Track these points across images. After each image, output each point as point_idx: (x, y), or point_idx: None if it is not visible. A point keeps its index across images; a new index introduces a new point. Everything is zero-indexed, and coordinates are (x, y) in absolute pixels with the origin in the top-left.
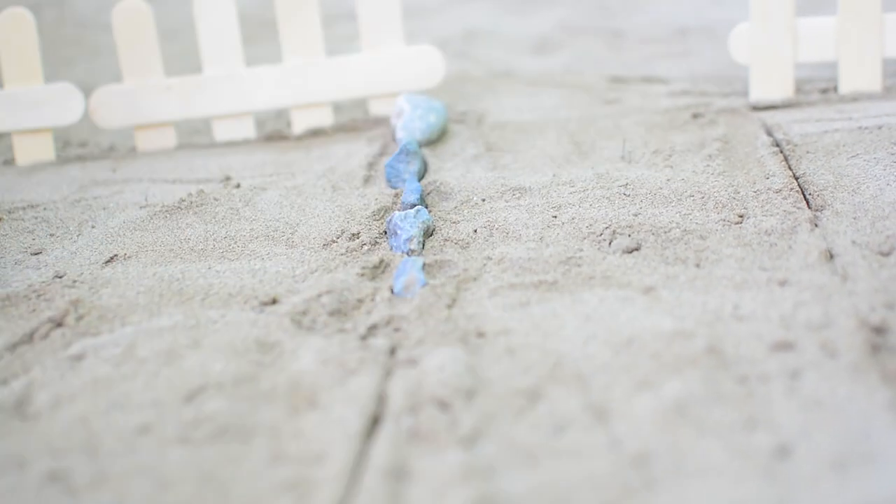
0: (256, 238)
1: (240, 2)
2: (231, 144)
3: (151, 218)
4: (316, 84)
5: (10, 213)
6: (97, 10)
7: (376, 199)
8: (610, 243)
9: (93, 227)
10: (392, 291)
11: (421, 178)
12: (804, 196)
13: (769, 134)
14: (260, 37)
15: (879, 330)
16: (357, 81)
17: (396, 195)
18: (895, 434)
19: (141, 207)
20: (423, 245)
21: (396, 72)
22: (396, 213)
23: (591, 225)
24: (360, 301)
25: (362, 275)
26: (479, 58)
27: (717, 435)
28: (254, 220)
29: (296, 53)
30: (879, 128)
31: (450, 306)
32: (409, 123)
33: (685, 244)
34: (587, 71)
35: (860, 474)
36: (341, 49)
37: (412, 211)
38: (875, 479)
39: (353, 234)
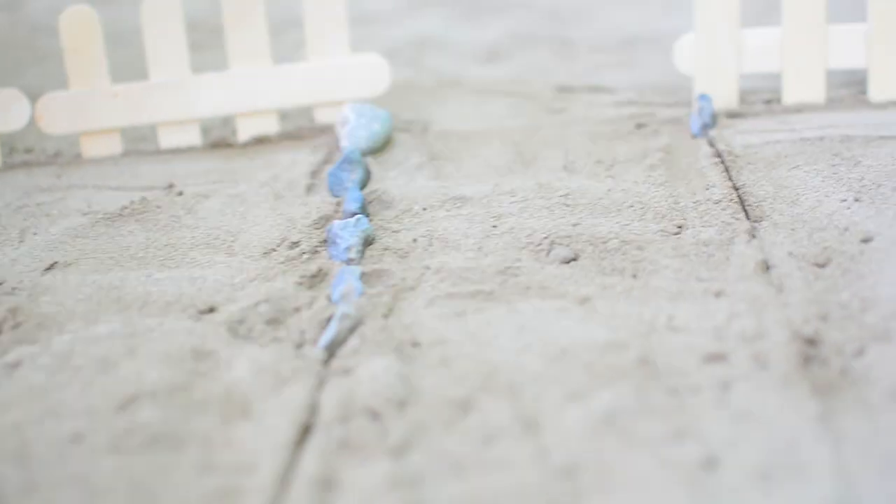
0: (197, 246)
1: (188, 8)
2: (176, 151)
3: (93, 225)
4: (261, 92)
5: None
6: (50, 14)
7: (318, 208)
8: (548, 253)
9: (35, 233)
10: (330, 300)
11: (363, 186)
12: (743, 207)
13: (711, 145)
14: (209, 43)
15: (811, 341)
16: (303, 89)
17: (338, 204)
18: (822, 445)
19: (83, 214)
20: (363, 254)
21: (342, 80)
22: (336, 221)
23: (530, 235)
24: (298, 310)
25: (300, 283)
26: (428, 66)
27: (645, 446)
28: (195, 227)
29: (242, 61)
30: (821, 139)
31: (386, 316)
32: (354, 132)
33: (623, 255)
34: (535, 80)
35: (786, 486)
36: (290, 56)
37: (352, 220)
38: (800, 490)
39: (294, 243)
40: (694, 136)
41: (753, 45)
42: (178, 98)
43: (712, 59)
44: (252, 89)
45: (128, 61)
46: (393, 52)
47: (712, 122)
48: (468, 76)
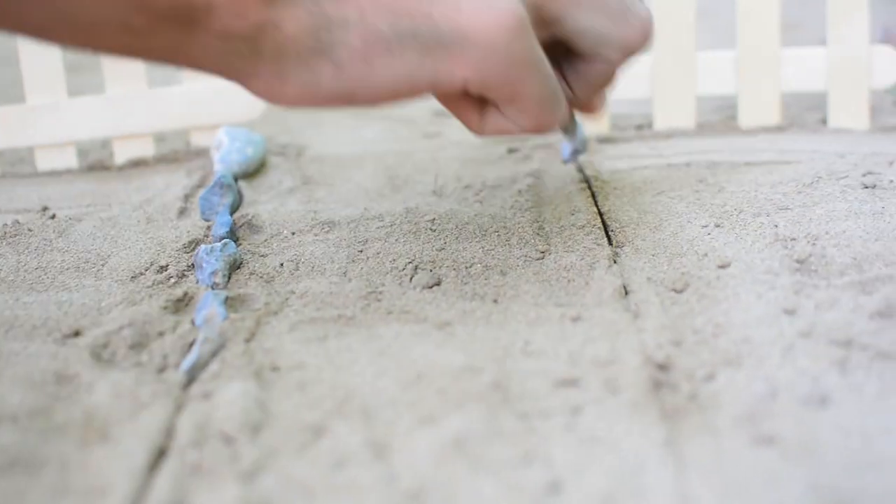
0: (67, 269)
1: None
2: (53, 174)
3: None
4: (137, 115)
5: None
6: None
7: (188, 232)
8: (411, 278)
9: None
10: (194, 325)
11: (235, 210)
12: (606, 233)
13: (580, 170)
14: (89, 65)
15: (663, 367)
16: (178, 113)
17: (209, 228)
18: (666, 470)
19: None
20: (229, 278)
21: (217, 104)
22: (203, 246)
23: (394, 259)
24: (162, 334)
25: (166, 308)
26: None
27: (491, 471)
28: (66, 251)
29: (117, 84)
30: (687, 165)
31: (248, 340)
32: (227, 156)
33: (486, 280)
34: (414, 104)
35: None
36: (165, 80)
37: (219, 244)
38: None
39: (162, 267)
40: (564, 162)
41: (624, 70)
42: (55, 121)
43: None
44: (128, 112)
45: (4, 84)
46: None
47: (583, 147)
48: None
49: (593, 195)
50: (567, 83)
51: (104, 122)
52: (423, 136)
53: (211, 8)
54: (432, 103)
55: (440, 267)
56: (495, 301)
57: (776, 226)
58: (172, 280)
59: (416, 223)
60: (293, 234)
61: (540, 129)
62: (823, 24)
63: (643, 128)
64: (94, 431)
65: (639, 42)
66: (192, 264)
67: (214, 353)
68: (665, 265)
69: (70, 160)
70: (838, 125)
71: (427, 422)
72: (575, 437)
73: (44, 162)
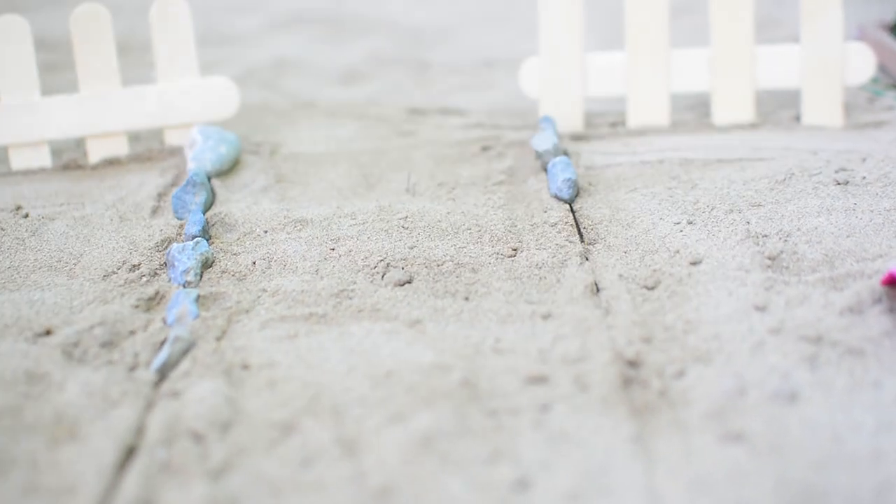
0: (39, 269)
1: (46, 28)
2: (27, 173)
3: None
4: (111, 114)
5: None
6: None
7: (161, 230)
8: (383, 276)
9: None
10: (165, 323)
11: (208, 209)
12: (578, 230)
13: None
14: (65, 63)
15: (633, 363)
16: (152, 112)
17: (181, 226)
18: (634, 466)
19: None
20: (201, 277)
21: (191, 103)
22: (175, 244)
23: (366, 257)
24: (133, 332)
25: (137, 306)
26: (284, 88)
27: (460, 468)
28: (38, 250)
29: (91, 83)
30: (660, 162)
31: (219, 338)
32: (200, 154)
33: (457, 277)
34: (389, 102)
35: None
36: (141, 79)
37: (191, 243)
38: None
39: (134, 266)
40: (537, 159)
41: (598, 68)
42: (28, 120)
43: (557, 82)
44: (101, 111)
45: None
46: (251, 72)
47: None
48: (323, 98)
49: None
50: None
51: (78, 121)
52: (398, 134)
53: None
54: (411, 101)
55: (412, 265)
56: (466, 298)
57: (748, 222)
58: (144, 279)
59: (388, 221)
60: (266, 232)
61: None
62: (798, 21)
63: (617, 125)
64: (65, 430)
65: None
66: (165, 263)
67: (185, 352)
68: (637, 262)
69: (44, 159)
70: (812, 122)
71: (396, 419)
72: (544, 434)
73: (18, 161)
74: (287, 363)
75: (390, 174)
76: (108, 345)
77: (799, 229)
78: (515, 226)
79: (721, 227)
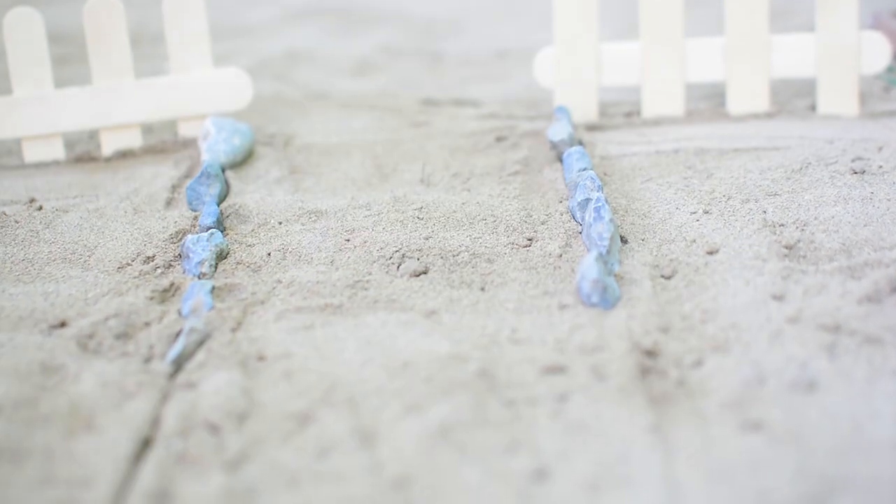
0: (53, 261)
1: (58, 22)
2: (40, 166)
3: None
4: (124, 106)
5: None
6: None
7: (175, 222)
8: (398, 267)
9: None
10: (180, 314)
11: (222, 200)
12: None
13: None
14: (78, 56)
15: (650, 353)
16: (166, 103)
17: (196, 218)
18: (652, 456)
19: None
20: (216, 268)
21: (204, 94)
22: (190, 236)
23: (382, 248)
24: (148, 324)
25: (152, 298)
26: (297, 79)
27: (478, 458)
28: (53, 242)
29: (104, 75)
30: (676, 152)
31: (234, 330)
32: (214, 146)
33: (472, 268)
34: (401, 93)
35: (613, 496)
36: (154, 70)
37: (206, 234)
38: (629, 500)
39: (149, 257)
40: (552, 149)
41: (613, 58)
42: (42, 112)
43: (571, 72)
44: (115, 103)
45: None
46: (264, 64)
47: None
48: (336, 89)
49: None
50: None
51: (91, 113)
52: (411, 125)
53: None
54: (425, 92)
55: (427, 255)
56: (482, 289)
57: (765, 212)
58: (159, 270)
59: (403, 212)
60: (280, 223)
61: None
62: (813, 10)
63: (632, 115)
64: (80, 421)
65: None
66: (179, 254)
67: (200, 343)
68: (654, 252)
69: (57, 151)
70: (827, 111)
71: (413, 410)
72: (561, 423)
73: (31, 153)
74: (303, 354)
75: (404, 165)
76: (122, 336)
77: (816, 218)
78: (531, 216)
79: (737, 217)
